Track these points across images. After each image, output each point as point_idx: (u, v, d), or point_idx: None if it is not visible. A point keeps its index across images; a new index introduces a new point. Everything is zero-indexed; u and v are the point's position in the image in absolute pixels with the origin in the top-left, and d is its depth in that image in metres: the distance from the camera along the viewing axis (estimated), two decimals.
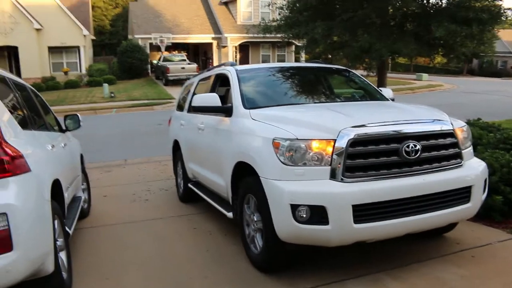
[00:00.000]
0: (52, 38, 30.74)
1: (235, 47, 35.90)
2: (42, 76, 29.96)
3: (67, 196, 4.79)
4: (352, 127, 3.68)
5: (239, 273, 4.27)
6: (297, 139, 3.66)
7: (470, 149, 4.36)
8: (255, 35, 28.43)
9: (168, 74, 28.35)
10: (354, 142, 3.61)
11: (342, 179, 3.58)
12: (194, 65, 29.61)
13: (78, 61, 32.62)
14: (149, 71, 34.13)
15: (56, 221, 3.81)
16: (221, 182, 5.00)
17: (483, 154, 5.84)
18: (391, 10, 10.46)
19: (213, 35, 35.67)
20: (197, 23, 36.32)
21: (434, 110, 4.51)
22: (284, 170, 3.66)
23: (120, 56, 31.88)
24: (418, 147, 3.74)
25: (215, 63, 36.48)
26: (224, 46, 35.33)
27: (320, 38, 10.29)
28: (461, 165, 4.06)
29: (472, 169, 4.13)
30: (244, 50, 37.09)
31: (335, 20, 10.15)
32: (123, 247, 5.19)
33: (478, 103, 20.24)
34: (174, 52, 36.72)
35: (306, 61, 18.07)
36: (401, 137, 3.75)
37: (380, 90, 5.83)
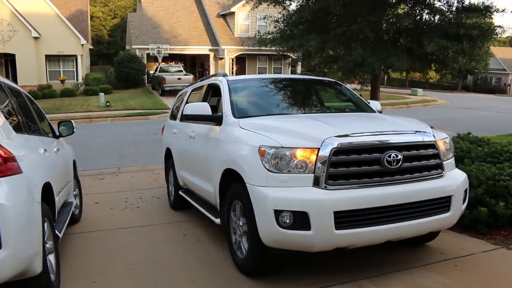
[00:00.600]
0: (49, 47, 30.88)
1: (232, 59, 36.16)
2: (39, 84, 30.03)
3: (58, 200, 4.84)
4: (336, 136, 3.80)
5: (226, 278, 4.32)
6: (282, 147, 3.78)
7: (452, 160, 4.48)
8: (252, 48, 28.69)
9: (165, 85, 28.50)
10: (337, 151, 3.72)
11: (325, 186, 3.69)
12: (191, 76, 29.80)
13: (75, 70, 32.74)
14: (146, 81, 34.28)
15: (46, 224, 3.87)
16: (210, 188, 5.09)
17: (470, 167, 5.96)
18: (385, 25, 10.63)
19: (210, 47, 35.92)
20: (195, 35, 36.59)
21: (418, 122, 4.63)
22: (269, 177, 3.78)
23: (117, 66, 32.04)
24: (399, 157, 3.85)
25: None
26: (221, 58, 35.57)
27: (314, 51, 10.42)
28: (442, 175, 4.17)
29: (453, 180, 4.23)
30: (241, 62, 37.35)
31: (329, 34, 10.30)
32: (113, 252, 5.23)
33: (471, 119, 20.45)
34: (171, 63, 36.93)
35: (301, 73, 18.29)
36: (383, 147, 3.86)
37: (368, 103, 5.97)
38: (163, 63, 34.14)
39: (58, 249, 4.31)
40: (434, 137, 4.21)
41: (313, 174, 3.71)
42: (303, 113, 5.33)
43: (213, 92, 6.03)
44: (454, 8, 10.25)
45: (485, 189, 5.44)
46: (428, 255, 4.73)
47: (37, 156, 4.23)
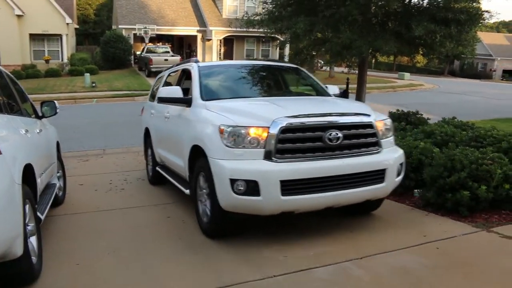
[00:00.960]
0: (33, 25, 30.23)
1: (220, 40, 35.81)
2: (23, 63, 29.48)
3: (40, 182, 4.78)
4: (285, 117, 4.37)
5: (209, 258, 4.33)
6: (238, 126, 4.39)
7: (391, 139, 5.07)
8: (240, 29, 28.44)
9: (151, 66, 28.16)
10: (284, 130, 4.31)
11: (273, 159, 4.28)
12: (178, 57, 29.46)
13: (60, 50, 32.17)
14: (132, 62, 33.85)
15: (27, 206, 3.82)
16: (181, 163, 5.64)
17: (454, 150, 6.00)
18: (374, 8, 10.55)
19: (198, 28, 35.51)
20: (183, 15, 36.10)
21: (363, 105, 5.20)
22: (226, 151, 4.39)
23: (103, 46, 31.56)
24: (339, 135, 4.44)
25: (199, 56, 36.35)
26: (209, 39, 35.21)
27: (302, 33, 10.32)
28: (379, 151, 4.76)
29: (388, 156, 4.83)
30: (229, 44, 37.02)
31: (317, 16, 10.20)
32: (97, 234, 5.20)
33: (456, 103, 20.60)
34: (158, 44, 36.46)
35: (290, 56, 18.12)
36: (325, 127, 4.43)
37: (326, 87, 6.42)
38: (150, 43, 33.68)
39: (40, 231, 4.27)
40: (373, 119, 4.78)
41: (263, 149, 4.30)
42: (262, 97, 5.94)
43: (186, 76, 6.54)
44: None
45: (468, 173, 5.49)
46: (410, 237, 4.78)
47: (18, 137, 4.15)
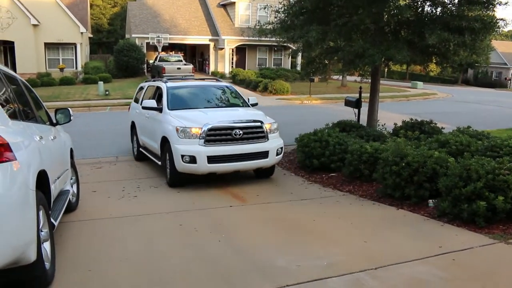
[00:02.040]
0: (49, 35, 30.66)
1: (232, 49, 35.96)
2: (38, 72, 29.86)
3: (54, 188, 4.80)
4: (210, 123, 7.60)
5: (224, 269, 4.30)
6: (185, 127, 7.64)
7: (276, 133, 8.26)
8: (252, 38, 28.51)
9: (164, 74, 28.30)
10: (209, 129, 7.55)
11: (204, 144, 7.49)
12: (190, 66, 29.61)
13: (74, 58, 32.55)
14: (145, 70, 34.10)
15: (41, 212, 3.83)
16: (156, 146, 8.70)
17: (470, 160, 5.91)
18: (386, 17, 10.51)
19: (210, 37, 35.70)
20: (195, 24, 36.36)
21: (260, 114, 8.42)
22: (179, 140, 7.59)
23: (117, 55, 31.86)
24: (240, 132, 7.68)
25: (212, 64, 36.52)
26: (221, 48, 35.38)
27: (315, 42, 10.28)
28: (266, 141, 7.93)
29: (271, 143, 8.00)
30: (241, 53, 37.15)
31: (330, 25, 10.18)
32: (109, 241, 5.21)
33: (471, 112, 20.39)
34: (170, 53, 36.70)
35: (302, 65, 18.15)
36: (232, 128, 7.67)
37: (248, 100, 9.53)
38: (162, 52, 33.92)
39: (53, 237, 4.28)
40: (262, 122, 7.99)
41: (198, 139, 7.52)
42: (203, 107, 8.74)
43: (160, 91, 9.37)
44: (456, 0, 10.12)
45: (485, 183, 5.41)
46: (426, 248, 4.71)
47: (33, 144, 4.18)
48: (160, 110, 8.62)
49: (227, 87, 9.93)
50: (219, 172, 7.74)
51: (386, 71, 49.14)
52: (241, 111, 8.73)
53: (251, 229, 5.56)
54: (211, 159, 7.43)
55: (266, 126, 7.98)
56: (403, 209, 6.28)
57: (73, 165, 6.71)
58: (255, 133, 7.83)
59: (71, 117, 6.02)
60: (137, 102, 10.56)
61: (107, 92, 24.03)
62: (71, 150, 6.70)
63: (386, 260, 4.38)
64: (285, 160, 10.02)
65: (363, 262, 4.33)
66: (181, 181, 7.78)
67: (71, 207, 6.26)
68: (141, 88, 10.97)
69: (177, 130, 7.60)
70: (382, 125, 11.21)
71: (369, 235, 5.21)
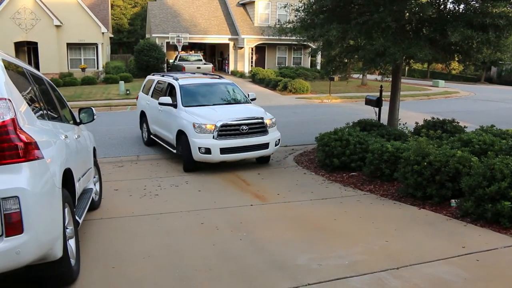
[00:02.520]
0: (71, 35, 31.17)
1: (252, 48, 36.00)
2: (60, 72, 30.37)
3: (78, 186, 4.90)
4: (222, 120, 8.92)
5: (243, 267, 4.33)
6: (201, 123, 8.89)
7: (274, 127, 9.62)
8: (272, 37, 28.49)
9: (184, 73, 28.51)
10: (222, 125, 8.87)
11: (217, 138, 8.77)
12: (210, 65, 29.79)
13: (96, 58, 33.02)
14: (166, 70, 34.38)
15: (66, 209, 3.92)
16: (171, 136, 10.07)
17: (494, 160, 5.82)
18: (407, 15, 10.40)
19: (230, 36, 35.81)
20: (215, 24, 36.51)
21: (261, 111, 9.72)
22: (196, 134, 8.87)
23: (137, 55, 32.19)
24: (246, 128, 9.04)
25: (231, 63, 36.63)
26: (241, 47, 35.45)
27: (335, 40, 10.24)
28: (266, 134, 9.30)
29: (271, 136, 9.37)
30: (260, 52, 37.17)
31: (350, 23, 10.12)
32: (131, 238, 5.29)
33: (494, 111, 20.03)
34: (190, 52, 36.94)
35: (322, 64, 18.12)
36: (240, 124, 9.01)
37: (248, 95, 10.87)
38: (182, 52, 34.17)
39: (78, 235, 4.37)
40: (263, 119, 9.34)
41: (212, 134, 8.82)
42: (212, 104, 9.97)
43: (171, 87, 10.67)
44: None
45: (509, 183, 5.32)
46: (449, 248, 4.66)
47: (59, 142, 4.27)
48: (175, 106, 9.88)
49: (230, 84, 11.12)
50: (228, 161, 9.21)
51: (407, 69, 48.56)
52: (245, 107, 10.09)
53: (271, 228, 5.58)
54: (223, 151, 8.85)
55: (267, 122, 9.38)
56: (425, 208, 6.23)
57: (96, 164, 6.83)
58: (258, 128, 9.24)
59: (94, 116, 6.12)
60: (147, 94, 12.00)
61: (127, 92, 24.30)
62: (94, 149, 6.82)
63: (408, 259, 4.36)
64: (306, 159, 10.01)
65: (385, 262, 4.31)
66: (195, 167, 9.21)
67: (94, 205, 6.37)
68: (150, 80, 12.27)
69: (194, 126, 8.95)
70: (403, 124, 11.11)
71: (391, 235, 5.18)
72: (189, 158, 9.00)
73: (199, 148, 8.78)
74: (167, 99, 9.95)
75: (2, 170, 3.10)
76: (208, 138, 8.81)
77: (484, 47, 10.00)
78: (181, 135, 9.27)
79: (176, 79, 10.43)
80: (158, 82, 11.54)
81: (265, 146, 9.25)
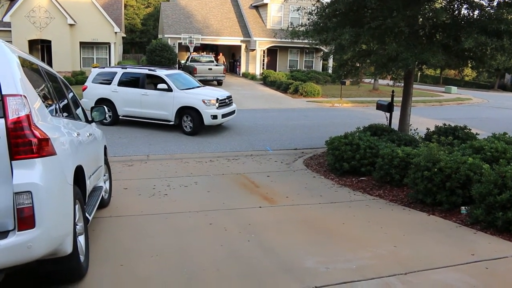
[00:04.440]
0: (84, 34, 31.44)
1: (263, 50, 36.04)
2: (73, 70, 30.64)
3: (89, 184, 4.96)
4: (218, 97, 13.65)
5: (250, 268, 4.35)
6: (209, 99, 13.35)
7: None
8: (284, 40, 28.47)
9: (195, 75, 28.61)
10: (220, 100, 13.61)
11: (218, 108, 13.51)
12: (222, 67, 29.83)
13: (108, 58, 33.26)
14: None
15: (77, 206, 3.97)
16: (166, 113, 13.65)
17: (506, 167, 5.79)
18: (421, 20, 10.37)
19: (242, 38, 35.90)
20: (227, 25, 36.63)
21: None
22: (206, 107, 13.27)
23: (149, 55, 32.37)
24: (229, 100, 14.37)
25: (243, 65, 36.71)
26: (253, 50, 35.51)
27: (347, 44, 10.24)
28: (233, 104, 14.89)
29: (235, 106, 14.99)
30: (272, 54, 37.21)
31: (363, 27, 10.12)
32: (140, 237, 5.33)
33: (507, 119, 19.86)
34: (202, 53, 37.07)
35: (334, 67, 18.15)
36: (226, 98, 14.13)
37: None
38: (194, 53, 34.31)
39: (87, 232, 4.42)
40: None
41: (216, 105, 13.39)
42: (191, 87, 14.37)
43: (152, 78, 14.18)
44: (495, 3, 9.90)
45: None
46: (458, 255, 4.65)
47: (71, 140, 4.32)
48: (171, 90, 13.54)
49: (185, 73, 16.07)
50: (224, 122, 14.08)
51: (419, 75, 48.29)
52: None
53: (280, 230, 5.60)
54: (222, 116, 13.44)
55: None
56: (434, 215, 6.21)
57: (106, 162, 6.88)
58: (231, 100, 14.53)
59: (106, 115, 6.18)
60: (108, 84, 14.53)
61: None
62: (105, 147, 6.88)
63: (416, 265, 4.35)
64: (315, 163, 10.01)
65: (393, 267, 4.31)
66: (201, 130, 13.46)
67: (104, 203, 6.43)
68: (109, 72, 14.92)
69: (203, 101, 13.17)
70: (414, 129, 11.07)
71: (399, 240, 5.17)
72: (199, 124, 13.23)
73: (211, 115, 13.12)
74: (164, 86, 13.58)
75: (16, 166, 3.16)
76: (213, 108, 13.25)
77: (498, 53, 9.94)
78: (186, 110, 13.40)
79: (155, 71, 14.25)
80: (125, 74, 14.56)
81: (235, 111, 14.55)
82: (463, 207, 6.17)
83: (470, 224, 5.69)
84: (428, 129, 10.46)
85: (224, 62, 34.85)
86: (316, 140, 12.56)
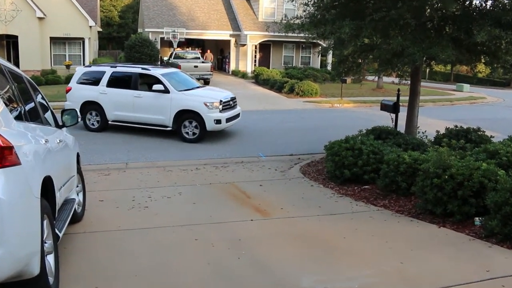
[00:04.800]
0: (55, 28, 31.31)
1: (255, 46, 36.14)
2: (42, 68, 30.51)
3: (59, 196, 4.92)
4: (222, 99, 13.55)
5: (243, 285, 4.34)
6: (211, 102, 13.17)
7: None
8: (278, 34, 28.53)
9: None
10: (223, 102, 13.48)
11: (221, 112, 13.29)
12: (209, 64, 29.86)
13: (82, 54, 33.15)
14: None
15: (45, 221, 3.93)
16: (163, 117, 13.37)
17: None
18: (429, 11, 10.44)
19: (231, 32, 36.00)
20: (214, 18, 36.72)
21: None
22: (209, 110, 13.06)
23: (128, 51, 32.31)
24: (233, 102, 14.22)
25: (232, 62, 36.80)
26: (243, 45, 35.58)
27: (348, 38, 10.27)
28: (238, 107, 14.78)
29: (239, 108, 15.03)
30: (265, 50, 37.30)
31: (365, 19, 10.16)
32: (117, 255, 5.30)
33: None
34: (187, 49, 37.11)
35: (333, 64, 18.29)
36: (229, 100, 14.01)
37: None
38: (178, 48, 34.33)
39: (57, 250, 4.38)
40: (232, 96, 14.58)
41: (219, 109, 13.24)
42: (191, 88, 14.15)
43: (145, 78, 14.03)
44: None
45: None
46: (471, 272, 4.66)
47: (38, 147, 4.29)
48: (168, 92, 13.25)
49: (182, 71, 16.64)
50: (228, 127, 13.95)
51: (427, 71, 48.59)
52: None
53: (274, 246, 5.59)
54: (226, 120, 13.29)
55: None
56: (445, 227, 6.23)
57: (79, 171, 6.84)
58: (235, 102, 14.39)
59: (79, 119, 6.15)
60: (95, 85, 14.19)
61: None
62: (78, 155, 6.84)
63: (425, 284, 4.36)
64: (313, 170, 10.03)
65: (399, 286, 4.31)
66: (204, 137, 13.28)
67: (77, 218, 6.38)
68: (96, 72, 14.72)
69: (205, 104, 12.94)
70: (423, 132, 11.12)
71: (406, 256, 5.18)
72: (202, 129, 13.08)
73: (214, 120, 12.89)
74: (160, 87, 13.26)
75: None
76: (216, 112, 13.04)
77: None
78: (185, 114, 13.10)
79: (149, 70, 14.08)
80: (115, 73, 14.22)
81: (239, 114, 14.45)
82: (476, 218, 6.19)
83: (484, 237, 5.71)
84: (437, 131, 10.52)
85: (211, 59, 34.89)
86: (314, 144, 12.58)
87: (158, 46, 33.91)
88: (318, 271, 4.72)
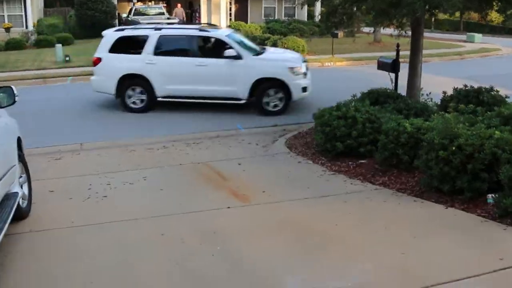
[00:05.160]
0: None
1: None
2: None
3: None
4: (302, 63, 13.64)
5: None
6: (295, 67, 12.97)
7: None
8: None
9: None
10: (305, 67, 13.51)
11: (303, 78, 13.01)
12: (175, 20, 29.50)
13: (24, 15, 32.47)
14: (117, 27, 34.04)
15: None
16: (235, 88, 12.76)
17: None
18: None
19: None
20: None
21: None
22: (294, 77, 12.81)
23: (79, 8, 31.75)
24: (306, 66, 13.90)
25: (204, 18, 36.34)
26: None
27: None
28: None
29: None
30: (242, 1, 36.88)
31: None
32: (70, 258, 5.25)
33: None
34: (149, 3, 36.56)
35: (322, 16, 18.26)
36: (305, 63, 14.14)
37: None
38: (139, 3, 33.80)
39: None
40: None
41: (301, 74, 12.98)
42: (262, 53, 13.89)
43: (207, 42, 13.88)
44: None
45: None
46: (483, 261, 4.70)
47: None
48: (240, 58, 12.72)
49: (236, 32, 15.81)
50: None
51: (433, 20, 48.52)
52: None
53: (254, 239, 5.59)
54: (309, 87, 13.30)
55: None
56: (453, 207, 6.25)
57: (22, 159, 6.70)
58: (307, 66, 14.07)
59: (16, 98, 6.00)
60: (139, 53, 13.24)
61: (67, 58, 24.00)
62: (19, 140, 6.68)
63: (429, 277, 4.38)
64: (300, 143, 10.00)
65: (400, 281, 4.32)
66: (288, 108, 13.13)
67: (21, 214, 6.27)
68: (137, 37, 13.93)
69: (291, 69, 12.74)
70: (427, 94, 11.09)
71: (408, 244, 5.21)
72: (287, 99, 12.79)
73: (302, 87, 12.74)
74: (231, 52, 12.69)
75: None
76: (301, 78, 12.86)
77: None
78: (265, 83, 12.69)
79: (209, 31, 13.78)
80: (163, 38, 13.28)
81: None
82: (489, 195, 6.22)
83: (498, 217, 5.74)
84: (444, 93, 10.48)
85: (183, 16, 34.40)
86: (301, 113, 12.55)
87: (115, 1, 33.34)
88: (306, 268, 4.72)
